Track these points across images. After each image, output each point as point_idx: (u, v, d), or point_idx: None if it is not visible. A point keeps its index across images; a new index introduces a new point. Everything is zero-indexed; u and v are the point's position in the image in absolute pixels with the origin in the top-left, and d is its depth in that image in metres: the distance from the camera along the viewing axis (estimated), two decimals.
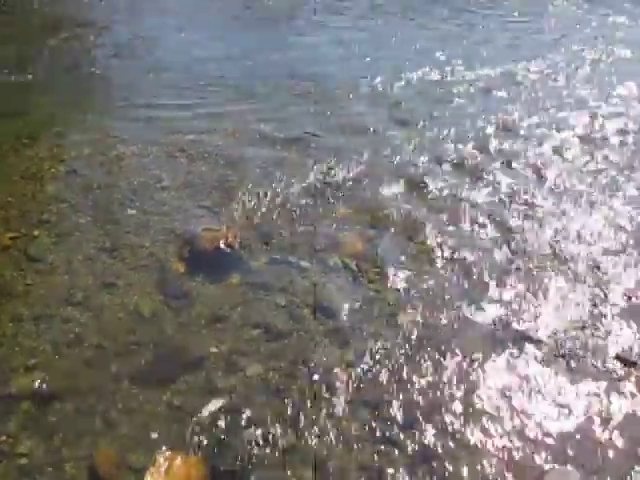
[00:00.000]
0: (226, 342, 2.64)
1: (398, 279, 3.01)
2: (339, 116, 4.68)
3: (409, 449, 2.23)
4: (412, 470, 2.16)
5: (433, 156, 4.13)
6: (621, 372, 2.55)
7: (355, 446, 2.24)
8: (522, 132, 4.52)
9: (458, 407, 2.39)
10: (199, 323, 2.74)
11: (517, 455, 2.23)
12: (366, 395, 2.42)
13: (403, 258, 3.17)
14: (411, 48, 6.12)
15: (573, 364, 2.59)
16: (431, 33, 6.62)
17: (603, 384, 2.50)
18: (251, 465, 2.16)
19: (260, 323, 2.74)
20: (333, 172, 3.88)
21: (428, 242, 3.28)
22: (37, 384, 2.41)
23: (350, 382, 2.47)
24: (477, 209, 3.58)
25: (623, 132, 4.56)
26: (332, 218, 3.46)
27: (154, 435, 2.25)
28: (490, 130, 4.52)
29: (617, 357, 2.62)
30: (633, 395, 2.45)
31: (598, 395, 2.45)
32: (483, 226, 3.43)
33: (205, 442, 2.23)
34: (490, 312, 2.84)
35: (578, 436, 2.30)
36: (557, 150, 4.28)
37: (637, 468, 2.18)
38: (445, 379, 2.51)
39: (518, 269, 3.11)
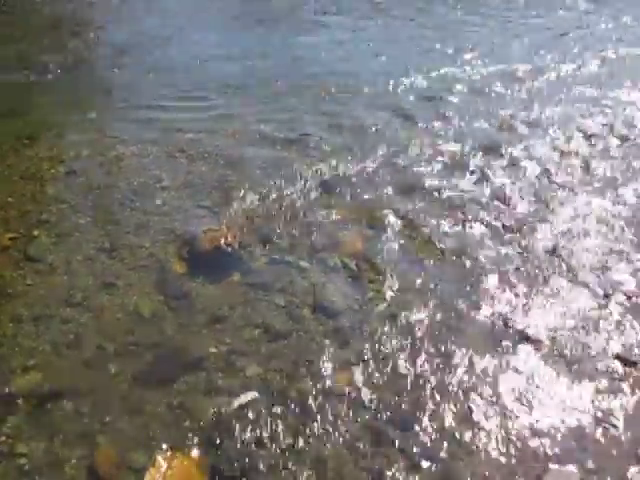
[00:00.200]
0: (226, 342, 2.64)
1: (398, 279, 3.01)
2: (339, 116, 4.67)
3: (409, 449, 2.23)
4: (412, 470, 2.16)
5: (433, 155, 4.12)
6: (621, 372, 2.55)
7: (355, 446, 2.24)
8: (525, 132, 4.51)
9: (458, 407, 2.39)
10: (199, 323, 2.74)
11: (517, 455, 2.23)
12: (366, 395, 2.42)
13: (403, 258, 3.17)
14: (411, 48, 6.12)
15: (573, 364, 2.59)
16: (432, 33, 6.62)
17: (603, 384, 2.50)
18: (251, 465, 2.16)
19: (260, 323, 2.74)
20: (333, 172, 3.88)
21: (428, 242, 3.28)
22: (37, 384, 2.41)
23: (350, 382, 2.47)
24: (478, 208, 3.57)
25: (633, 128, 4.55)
26: (332, 218, 3.46)
27: (154, 435, 2.25)
28: (492, 129, 4.52)
29: (617, 357, 2.62)
30: (633, 395, 2.45)
31: (598, 395, 2.45)
32: (483, 225, 3.43)
33: (205, 442, 2.23)
34: (490, 312, 2.85)
35: (578, 436, 2.30)
36: (562, 149, 4.28)
37: (637, 468, 2.18)
38: (445, 379, 2.51)
39: (518, 269, 3.11)
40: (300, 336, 2.69)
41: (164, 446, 2.21)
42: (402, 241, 3.29)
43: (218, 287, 2.94)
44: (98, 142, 4.17)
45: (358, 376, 2.50)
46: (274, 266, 3.10)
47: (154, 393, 2.41)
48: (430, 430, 2.30)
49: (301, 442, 2.24)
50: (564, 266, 3.14)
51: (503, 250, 3.25)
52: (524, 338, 2.70)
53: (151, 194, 3.61)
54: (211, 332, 2.70)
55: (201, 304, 2.84)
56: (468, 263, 3.14)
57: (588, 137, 4.47)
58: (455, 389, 2.46)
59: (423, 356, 2.61)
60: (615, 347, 2.66)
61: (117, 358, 2.55)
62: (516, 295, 2.95)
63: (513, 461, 2.20)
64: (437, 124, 4.57)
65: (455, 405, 2.40)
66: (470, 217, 3.50)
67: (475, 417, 2.35)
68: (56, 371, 2.47)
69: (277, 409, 2.35)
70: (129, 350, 2.59)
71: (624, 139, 4.44)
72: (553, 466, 2.19)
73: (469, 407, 2.39)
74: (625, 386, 2.49)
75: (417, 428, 2.30)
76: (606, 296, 2.94)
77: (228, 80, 5.23)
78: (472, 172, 3.96)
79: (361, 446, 2.24)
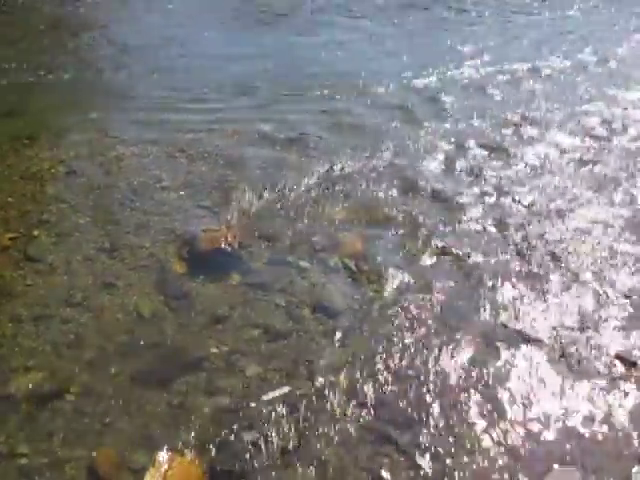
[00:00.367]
0: (226, 342, 2.64)
1: (398, 279, 3.01)
2: (339, 116, 4.68)
3: (409, 449, 2.22)
4: (412, 470, 2.16)
5: (434, 155, 4.12)
6: (621, 372, 2.55)
7: (355, 446, 2.24)
8: (525, 131, 4.51)
9: (458, 407, 2.39)
10: (199, 323, 2.74)
11: (517, 455, 2.22)
12: (366, 395, 2.42)
13: (403, 258, 3.17)
14: (411, 48, 6.12)
15: (573, 364, 2.59)
16: (432, 32, 6.62)
17: (603, 384, 2.50)
18: (251, 465, 2.16)
19: (260, 323, 2.74)
20: (333, 172, 3.88)
21: (428, 242, 3.28)
22: (37, 384, 2.41)
23: (350, 382, 2.47)
24: (478, 208, 3.57)
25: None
26: (332, 218, 3.46)
27: (154, 435, 2.25)
28: (493, 129, 4.52)
29: (617, 357, 2.62)
30: (633, 395, 2.45)
31: (598, 395, 2.45)
32: (484, 225, 3.43)
33: (205, 442, 2.23)
34: (490, 311, 2.84)
35: (578, 436, 2.29)
36: (562, 147, 4.28)
37: (637, 468, 2.18)
38: (445, 379, 2.50)
39: (518, 268, 3.11)
40: (300, 336, 2.69)
41: (164, 446, 2.21)
42: (402, 241, 3.29)
43: (218, 287, 2.94)
44: (98, 142, 4.18)
45: (358, 376, 2.50)
46: (274, 266, 3.10)
47: (154, 393, 2.41)
48: (430, 430, 2.29)
49: (301, 442, 2.24)
50: (564, 266, 3.14)
51: (503, 250, 3.25)
52: (524, 338, 2.70)
53: (151, 194, 3.61)
54: (211, 332, 2.69)
55: (201, 304, 2.84)
56: (468, 262, 3.14)
57: (588, 136, 4.47)
58: (455, 389, 2.46)
59: (423, 356, 2.60)
60: (615, 347, 2.66)
61: (117, 358, 2.55)
62: (516, 295, 2.95)
63: (514, 461, 2.20)
64: (437, 123, 4.57)
65: (455, 405, 2.39)
66: (470, 217, 3.50)
67: (475, 417, 2.35)
68: (56, 371, 2.47)
69: (277, 409, 2.35)
70: (129, 350, 2.59)
71: (624, 138, 4.45)
72: (554, 466, 2.19)
73: (469, 407, 2.39)
74: (625, 386, 2.49)
75: (417, 428, 2.30)
76: (606, 296, 2.94)
77: (228, 80, 5.23)
78: (472, 171, 3.96)
79: (361, 446, 2.24)
